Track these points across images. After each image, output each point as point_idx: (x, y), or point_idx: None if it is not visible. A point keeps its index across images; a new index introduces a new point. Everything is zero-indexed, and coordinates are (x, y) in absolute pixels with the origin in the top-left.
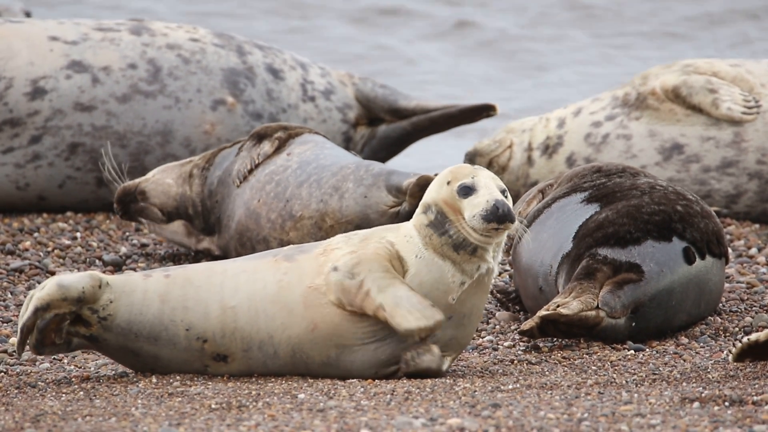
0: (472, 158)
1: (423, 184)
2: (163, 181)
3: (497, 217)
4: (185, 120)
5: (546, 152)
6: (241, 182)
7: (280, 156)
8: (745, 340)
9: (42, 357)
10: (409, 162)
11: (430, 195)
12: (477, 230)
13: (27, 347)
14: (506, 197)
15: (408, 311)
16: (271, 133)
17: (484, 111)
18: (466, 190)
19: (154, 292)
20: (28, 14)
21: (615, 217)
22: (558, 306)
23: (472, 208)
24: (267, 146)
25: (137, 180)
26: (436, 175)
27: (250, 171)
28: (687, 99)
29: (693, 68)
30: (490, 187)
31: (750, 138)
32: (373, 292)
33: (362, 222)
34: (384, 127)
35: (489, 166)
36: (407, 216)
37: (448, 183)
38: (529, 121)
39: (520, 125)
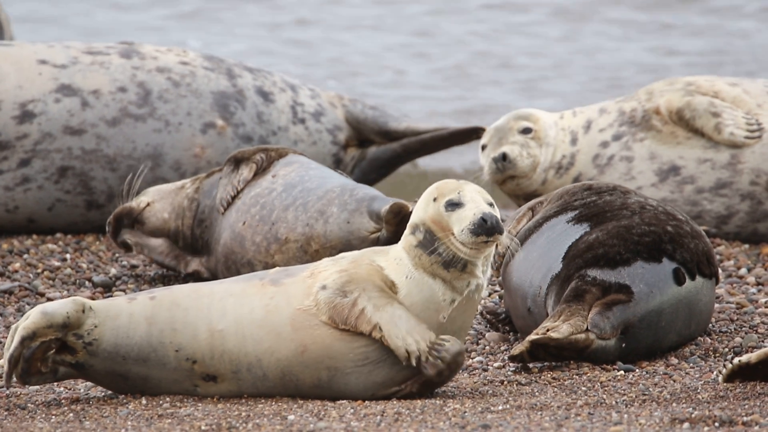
0: (504, 168)
1: (396, 211)
2: (160, 215)
3: (486, 229)
4: (175, 143)
5: (558, 171)
6: (225, 210)
7: (265, 178)
8: (735, 361)
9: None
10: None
11: (417, 215)
12: (466, 244)
13: (13, 378)
14: (493, 209)
15: (407, 332)
16: (248, 157)
17: (474, 133)
18: (453, 206)
19: (140, 315)
20: None
21: (605, 238)
22: (547, 330)
23: (460, 223)
24: (246, 172)
25: (139, 205)
26: (415, 201)
27: (233, 198)
28: (690, 122)
29: (695, 87)
30: (476, 201)
31: (746, 160)
32: (368, 311)
33: (345, 247)
34: (374, 148)
35: (511, 179)
36: (386, 243)
37: (435, 200)
38: (550, 130)
39: (545, 135)
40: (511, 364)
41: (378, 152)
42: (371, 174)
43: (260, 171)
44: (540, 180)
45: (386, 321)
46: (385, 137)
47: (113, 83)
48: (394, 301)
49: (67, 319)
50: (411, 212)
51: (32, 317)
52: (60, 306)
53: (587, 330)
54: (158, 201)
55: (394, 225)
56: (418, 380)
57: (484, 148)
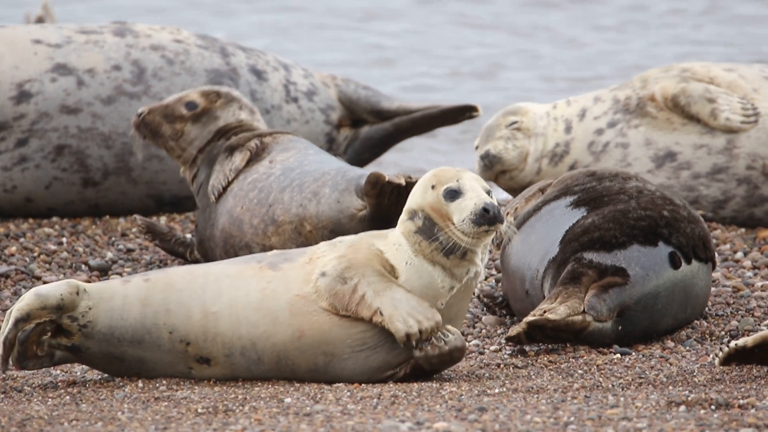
0: (491, 164)
1: (374, 182)
2: (175, 155)
3: (487, 219)
4: None
5: (553, 160)
6: (217, 198)
7: (262, 164)
8: (732, 344)
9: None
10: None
11: (414, 200)
12: (467, 234)
13: (10, 362)
14: (492, 198)
15: (407, 314)
16: (243, 143)
17: (467, 112)
18: (453, 194)
19: (134, 297)
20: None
21: (601, 222)
22: (544, 311)
23: (461, 212)
24: (238, 160)
25: (173, 134)
26: (404, 177)
27: (225, 188)
28: (685, 108)
29: (690, 73)
30: (476, 189)
31: (742, 145)
32: (368, 297)
33: (336, 227)
34: (367, 128)
35: (503, 173)
36: (370, 218)
37: (433, 187)
38: (540, 121)
39: (534, 125)
40: (507, 348)
41: (370, 132)
42: (364, 154)
43: (255, 157)
44: (534, 170)
45: (387, 305)
46: (378, 117)
47: (108, 62)
48: (393, 285)
49: (61, 300)
50: (388, 182)
51: (26, 299)
52: (54, 288)
53: (584, 312)
54: (196, 129)
55: (373, 197)
56: (410, 363)
57: (477, 147)
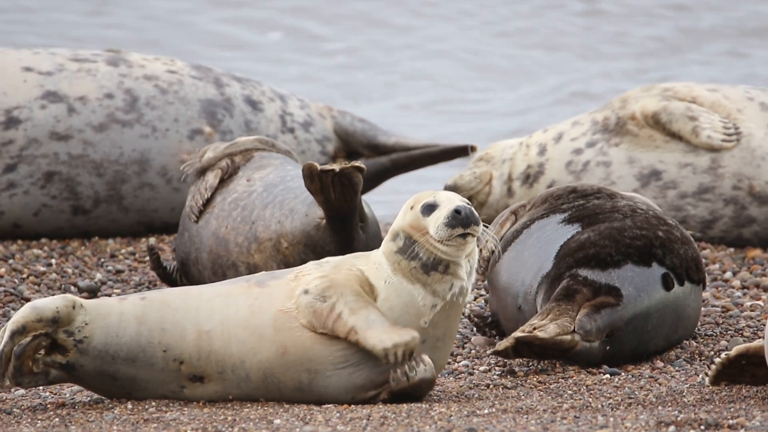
0: None
1: (307, 173)
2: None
3: (460, 221)
4: (162, 149)
5: (527, 182)
6: (197, 218)
7: (239, 183)
8: (717, 360)
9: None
10: None
11: (397, 223)
12: (443, 240)
13: (6, 378)
14: (468, 205)
15: (381, 331)
16: (213, 164)
17: (464, 151)
18: (430, 209)
19: (130, 314)
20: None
21: (597, 238)
22: (534, 328)
23: (435, 221)
24: (211, 178)
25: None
26: (340, 165)
27: (204, 205)
28: (667, 126)
29: (672, 93)
30: (451, 199)
31: (726, 164)
32: (344, 315)
33: (308, 241)
34: (363, 161)
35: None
36: (328, 219)
37: (412, 208)
38: (510, 149)
39: (501, 153)
40: (497, 368)
41: (367, 165)
42: None
43: (227, 177)
44: (503, 192)
45: (361, 323)
46: (374, 150)
47: (100, 90)
48: (369, 305)
49: (57, 313)
50: (321, 171)
51: (22, 312)
52: (50, 301)
53: (573, 331)
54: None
55: (317, 192)
56: (387, 388)
57: None
